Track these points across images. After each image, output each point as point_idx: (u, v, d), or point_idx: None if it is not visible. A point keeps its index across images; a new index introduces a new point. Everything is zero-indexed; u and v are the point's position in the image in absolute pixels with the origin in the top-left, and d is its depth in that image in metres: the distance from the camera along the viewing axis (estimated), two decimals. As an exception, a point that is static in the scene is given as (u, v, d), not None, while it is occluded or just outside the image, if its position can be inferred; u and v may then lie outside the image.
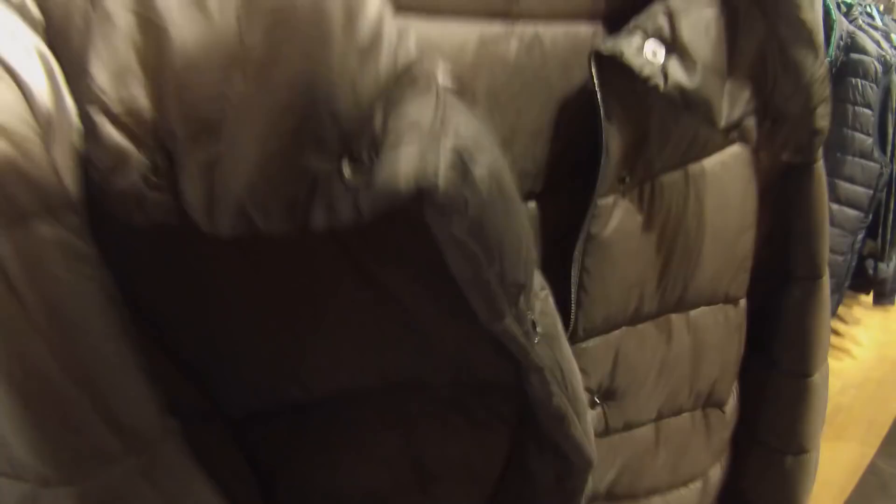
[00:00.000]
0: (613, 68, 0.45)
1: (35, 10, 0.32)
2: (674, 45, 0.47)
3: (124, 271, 0.35)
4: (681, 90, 0.47)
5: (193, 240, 0.35)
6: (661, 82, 0.46)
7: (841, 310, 2.70)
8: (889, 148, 2.07)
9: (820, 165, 0.61)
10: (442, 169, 0.34)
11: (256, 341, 0.42)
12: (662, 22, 0.47)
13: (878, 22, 2.34)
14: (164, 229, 0.34)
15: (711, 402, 0.67)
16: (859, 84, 1.99)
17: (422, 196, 0.34)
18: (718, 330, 0.63)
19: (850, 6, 2.15)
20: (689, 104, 0.48)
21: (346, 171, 0.33)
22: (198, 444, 0.39)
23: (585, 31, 0.50)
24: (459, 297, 0.40)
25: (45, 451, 0.33)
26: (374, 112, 0.33)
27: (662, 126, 0.51)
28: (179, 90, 0.32)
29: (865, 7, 2.33)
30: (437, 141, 0.34)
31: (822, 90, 0.54)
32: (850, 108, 1.98)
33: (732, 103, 0.50)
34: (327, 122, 0.32)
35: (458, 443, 0.50)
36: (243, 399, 0.44)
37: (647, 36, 0.46)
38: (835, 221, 2.01)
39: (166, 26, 0.31)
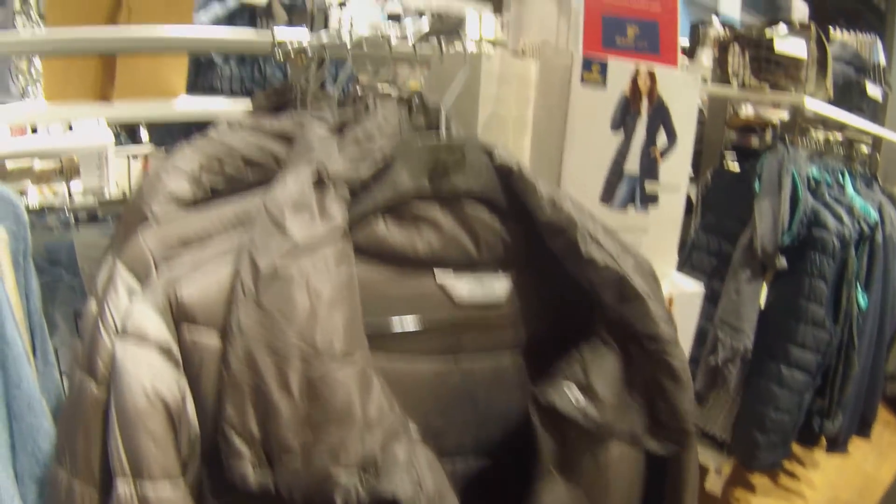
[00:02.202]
0: (547, 410, 0.71)
1: (176, 352, 0.62)
2: (587, 390, 0.71)
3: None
4: (594, 423, 0.71)
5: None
6: (580, 419, 0.69)
7: (796, 450, 2.86)
8: (841, 317, 2.27)
9: (691, 454, 0.82)
10: (410, 490, 0.61)
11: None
12: (578, 372, 0.72)
13: (849, 189, 2.55)
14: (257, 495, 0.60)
15: None
16: (818, 258, 2.19)
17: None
18: None
19: (818, 181, 2.35)
20: (599, 430, 0.72)
21: (360, 479, 0.59)
22: None
23: (507, 362, 0.80)
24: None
25: None
26: (376, 454, 0.60)
27: (579, 443, 0.73)
28: (274, 432, 0.59)
29: (838, 175, 2.54)
30: (411, 470, 0.61)
31: (690, 410, 0.74)
32: (807, 280, 2.18)
33: (629, 423, 0.71)
34: (353, 453, 0.59)
35: None
36: None
37: (569, 384, 0.70)
38: (784, 383, 2.19)
39: (273, 400, 0.59)
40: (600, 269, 0.73)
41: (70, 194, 3.45)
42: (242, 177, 0.90)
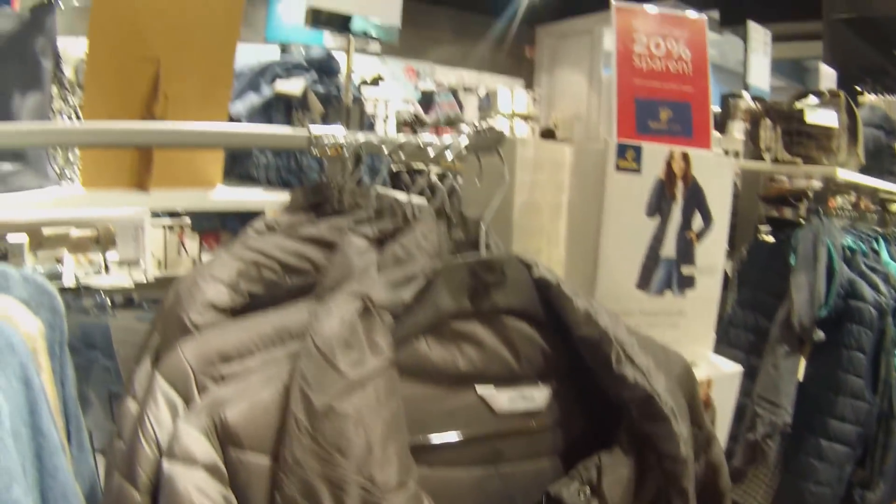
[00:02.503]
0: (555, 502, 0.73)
1: (223, 470, 0.62)
2: (597, 491, 0.73)
3: None
4: None
5: None
6: None
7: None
8: (880, 386, 2.22)
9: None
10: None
11: None
12: (593, 474, 0.74)
13: (884, 255, 2.52)
14: None
15: None
16: (855, 329, 2.16)
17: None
18: None
19: (853, 251, 2.33)
20: None
21: None
22: None
23: (546, 465, 0.80)
24: None
25: None
26: None
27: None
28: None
29: (872, 242, 2.51)
30: None
31: None
32: (845, 352, 2.14)
33: None
34: None
35: None
36: None
37: (581, 483, 0.73)
38: (824, 456, 2.14)
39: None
40: (630, 386, 0.75)
41: (106, 264, 3.51)
42: (281, 282, 0.91)
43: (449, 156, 0.80)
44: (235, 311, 0.88)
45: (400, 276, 0.70)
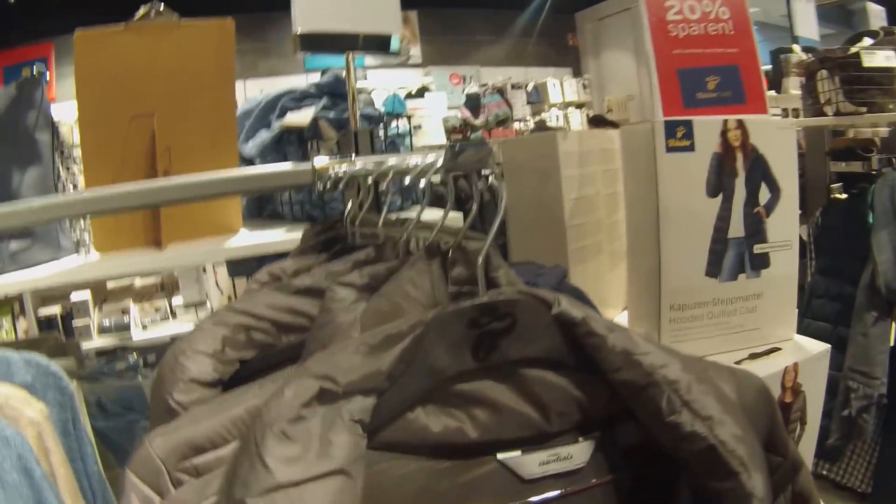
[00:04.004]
0: None
1: None
2: None
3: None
4: None
5: None
6: None
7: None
8: None
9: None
10: None
11: None
12: None
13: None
14: None
15: None
16: (948, 284, 1.98)
17: None
18: None
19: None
20: None
21: None
22: None
23: None
24: None
25: None
26: None
27: None
28: None
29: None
30: None
31: None
32: (939, 309, 1.97)
33: None
34: None
35: None
36: None
37: None
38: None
39: None
40: (687, 437, 0.60)
41: (172, 310, 3.50)
42: (276, 342, 0.81)
43: (422, 183, 0.68)
44: (225, 382, 0.78)
45: (380, 338, 0.56)
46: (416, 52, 8.96)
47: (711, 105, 1.34)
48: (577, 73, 9.31)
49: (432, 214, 0.82)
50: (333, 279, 0.78)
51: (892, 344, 2.00)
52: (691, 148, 1.21)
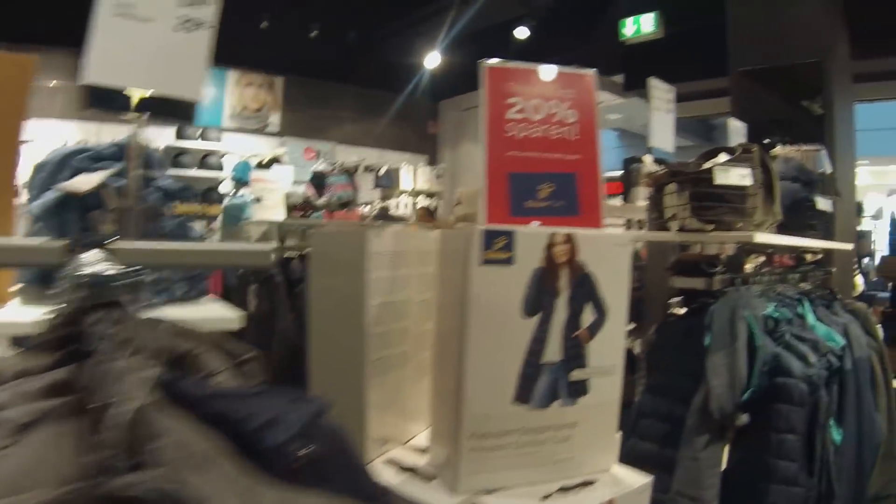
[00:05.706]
0: None
1: None
2: None
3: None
4: None
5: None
6: None
7: None
8: (816, 466, 2.02)
9: None
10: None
11: None
12: None
13: (810, 318, 2.35)
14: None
15: None
16: (784, 409, 1.98)
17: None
18: None
19: (777, 321, 2.15)
20: None
21: None
22: None
23: None
24: None
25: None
26: None
27: None
28: None
29: (796, 306, 2.34)
30: None
31: None
32: (773, 435, 1.95)
33: None
34: None
35: None
36: None
37: None
38: (759, 549, 1.92)
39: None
40: None
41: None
42: None
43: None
44: None
45: None
46: (274, 119, 8.85)
47: (541, 214, 1.25)
48: (433, 161, 9.40)
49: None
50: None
51: (723, 468, 1.95)
52: (510, 261, 1.10)
